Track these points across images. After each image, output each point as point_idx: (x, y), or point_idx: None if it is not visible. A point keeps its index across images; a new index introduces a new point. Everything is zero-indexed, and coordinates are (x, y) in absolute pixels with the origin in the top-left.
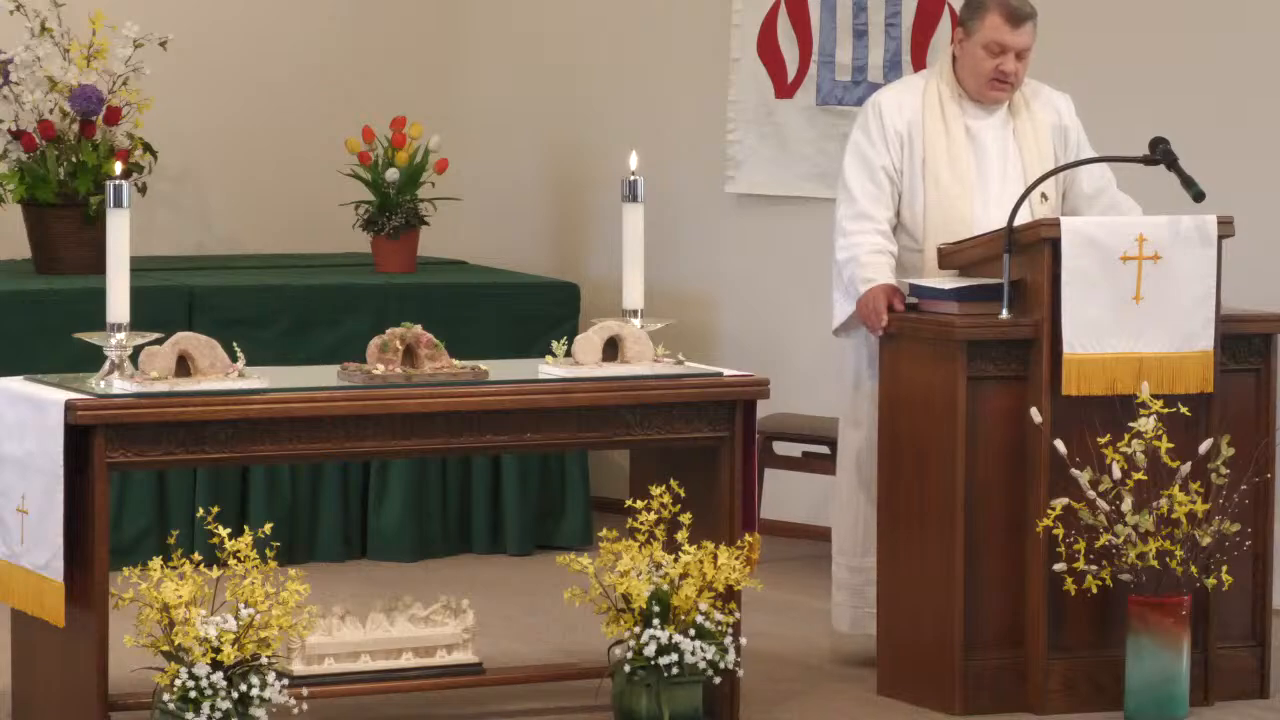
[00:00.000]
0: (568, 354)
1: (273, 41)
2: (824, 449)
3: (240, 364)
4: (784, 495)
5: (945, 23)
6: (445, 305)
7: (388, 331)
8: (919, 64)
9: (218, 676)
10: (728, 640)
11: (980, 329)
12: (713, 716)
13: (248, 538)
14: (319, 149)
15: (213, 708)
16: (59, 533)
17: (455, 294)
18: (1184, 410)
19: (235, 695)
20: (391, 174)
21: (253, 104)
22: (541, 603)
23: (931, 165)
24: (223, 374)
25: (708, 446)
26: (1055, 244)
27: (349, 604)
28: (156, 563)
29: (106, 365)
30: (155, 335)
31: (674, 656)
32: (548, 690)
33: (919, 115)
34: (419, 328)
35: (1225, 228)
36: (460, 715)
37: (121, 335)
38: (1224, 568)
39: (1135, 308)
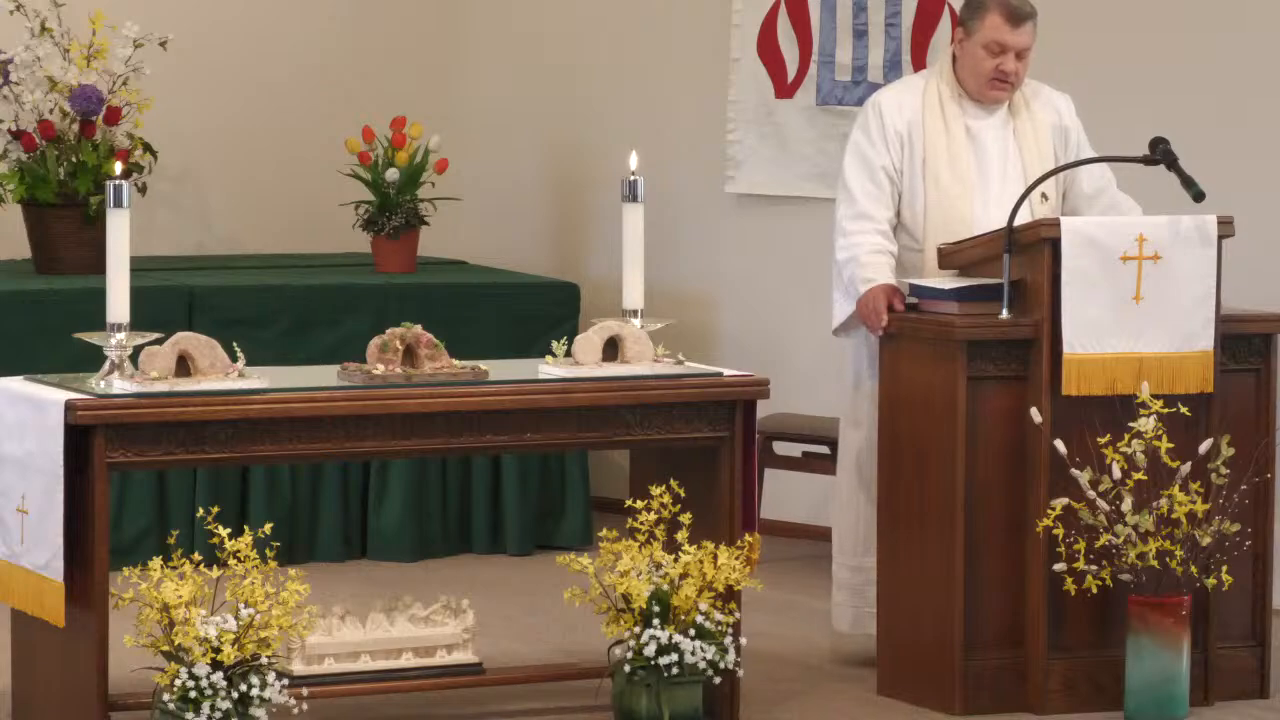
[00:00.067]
0: (568, 354)
1: (273, 41)
2: (824, 449)
3: (240, 364)
4: (784, 495)
5: (945, 23)
6: (445, 305)
7: (388, 331)
8: (919, 64)
9: (218, 676)
10: (728, 640)
11: (980, 329)
12: (713, 716)
13: (248, 538)
14: (319, 149)
15: (213, 708)
16: (59, 533)
17: (455, 294)
18: (1184, 410)
19: (235, 695)
20: (391, 174)
21: (253, 104)
22: (541, 603)
23: (932, 165)
24: (223, 374)
25: (708, 446)
26: (1055, 244)
27: (349, 604)
28: (156, 563)
29: (106, 365)
30: (155, 335)
31: (674, 656)
32: (548, 690)
33: (919, 115)
34: (419, 328)
35: (1225, 228)
36: (460, 715)
37: (121, 335)
38: (1224, 568)
39: (1135, 308)
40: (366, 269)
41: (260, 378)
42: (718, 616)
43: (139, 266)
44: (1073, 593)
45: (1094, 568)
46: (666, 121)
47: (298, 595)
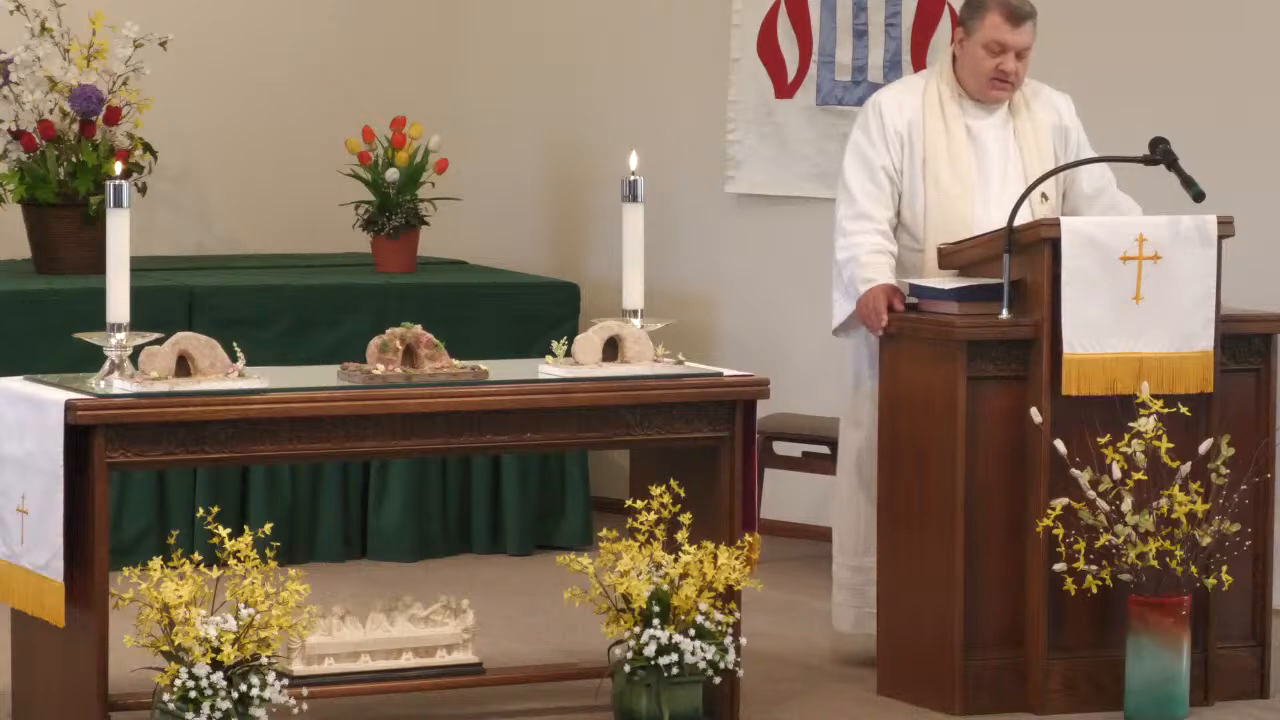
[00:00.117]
0: (568, 354)
1: (273, 41)
2: (824, 449)
3: (240, 364)
4: (784, 495)
5: (945, 23)
6: (445, 305)
7: (388, 331)
8: (919, 64)
9: (218, 676)
10: (728, 640)
11: (980, 329)
12: (713, 716)
13: (248, 538)
14: (319, 149)
15: (213, 708)
16: (59, 533)
17: (455, 294)
18: (1184, 410)
19: (235, 695)
20: (391, 174)
21: (253, 104)
22: (541, 603)
23: (932, 165)
24: (223, 374)
25: (708, 446)
26: (1055, 244)
27: (349, 604)
28: (156, 563)
29: (106, 365)
30: (155, 335)
31: (674, 656)
32: (548, 690)
33: (919, 115)
34: (419, 328)
35: (1225, 228)
36: (460, 715)
37: (121, 335)
38: (1224, 568)
39: (1135, 308)
40: (366, 269)
41: (260, 378)
42: (718, 616)
43: (139, 266)
44: (1073, 593)
45: (1094, 568)
46: (666, 121)
47: (298, 595)
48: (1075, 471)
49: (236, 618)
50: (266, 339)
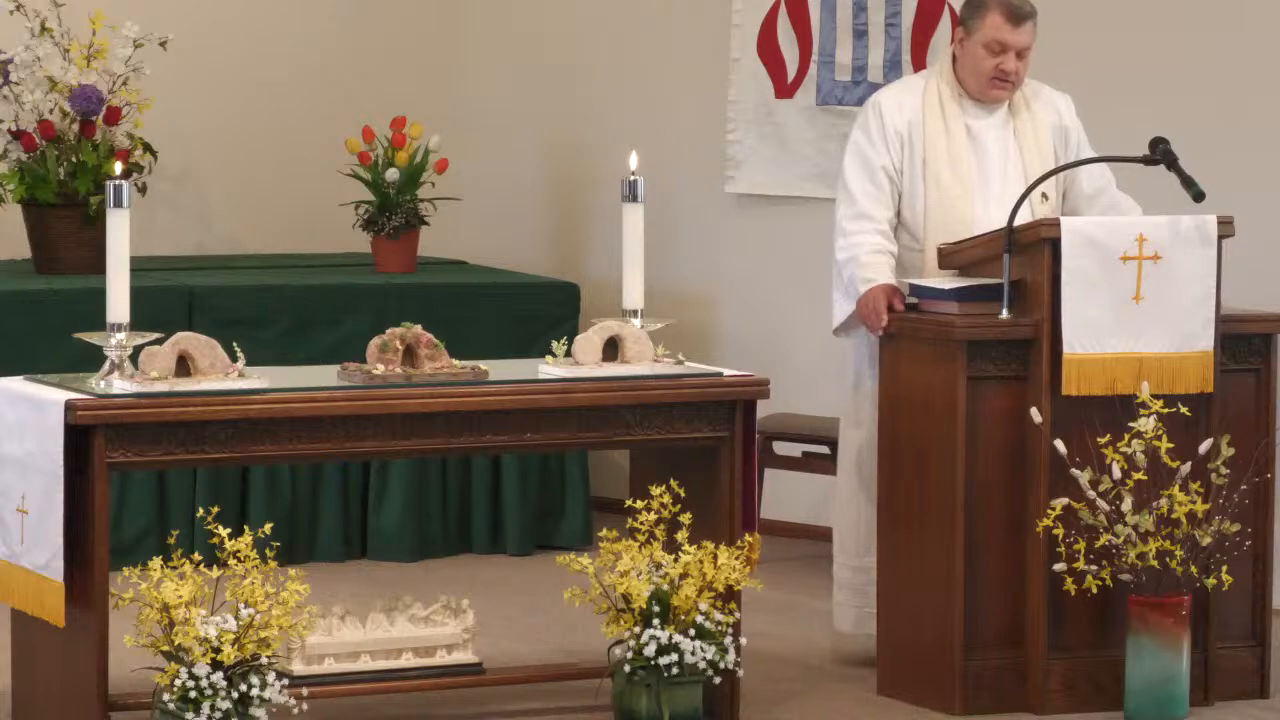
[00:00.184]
0: (568, 354)
1: (273, 41)
2: (824, 449)
3: (240, 364)
4: (784, 495)
5: (945, 23)
6: (445, 305)
7: (388, 331)
8: (919, 64)
9: (218, 676)
10: (728, 640)
11: (980, 329)
12: (713, 716)
13: (248, 538)
14: (319, 149)
15: (213, 708)
16: (59, 533)
17: (455, 294)
18: (1184, 410)
19: (235, 695)
20: (391, 174)
21: (253, 104)
22: (541, 603)
23: (932, 165)
24: (223, 374)
25: (708, 446)
26: (1055, 244)
27: (349, 604)
28: (156, 563)
29: (106, 365)
30: (155, 335)
31: (674, 656)
32: (548, 690)
33: (919, 115)
34: (419, 328)
35: (1225, 228)
36: (460, 715)
37: (121, 335)
38: (1224, 568)
39: (1135, 308)
40: (366, 269)
41: (260, 378)
42: (718, 616)
43: (139, 266)
44: (1073, 593)
45: (1094, 568)
46: (666, 121)
47: (298, 595)
48: (1075, 471)
49: (236, 618)
50: (266, 339)
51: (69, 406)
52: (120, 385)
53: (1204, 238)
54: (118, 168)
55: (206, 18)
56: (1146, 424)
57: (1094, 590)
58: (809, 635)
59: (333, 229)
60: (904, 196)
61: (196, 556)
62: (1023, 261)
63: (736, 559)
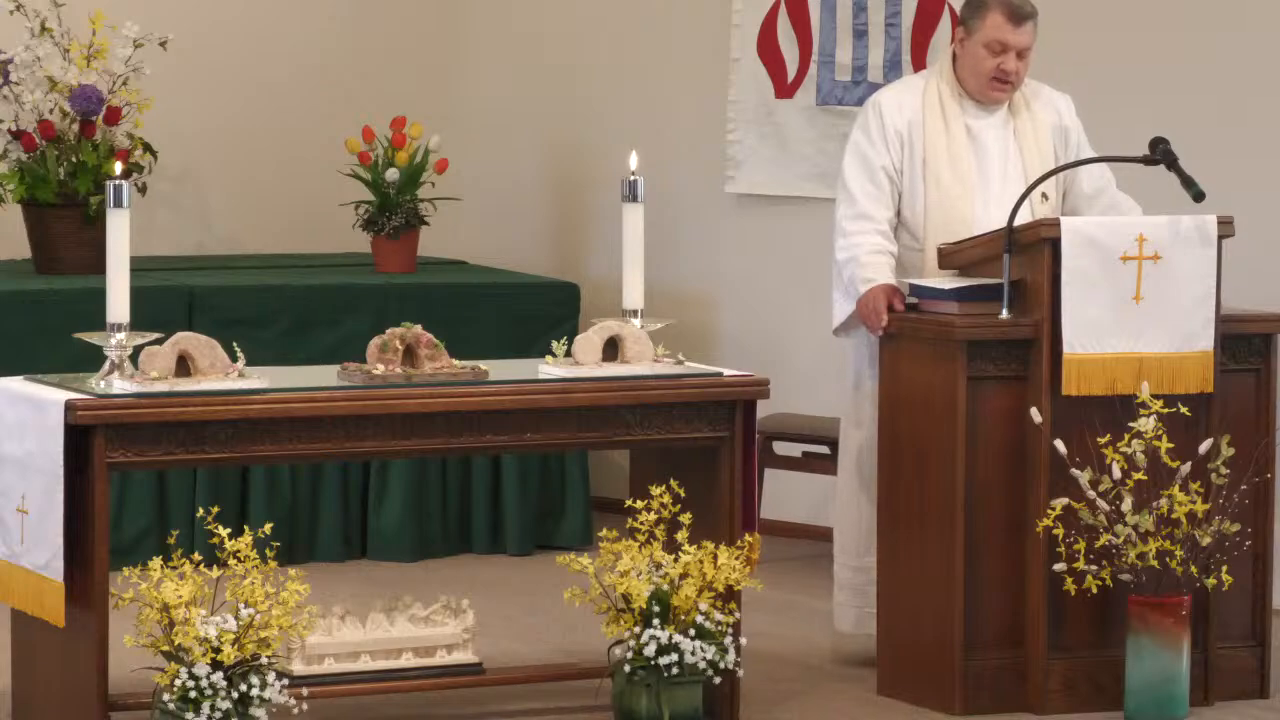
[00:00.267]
0: (568, 354)
1: (273, 41)
2: (824, 449)
3: (240, 364)
4: (784, 495)
5: (945, 23)
6: (445, 305)
7: (388, 331)
8: (919, 64)
9: (218, 676)
10: (728, 640)
11: (980, 329)
12: (713, 716)
13: (248, 538)
14: (319, 149)
15: (213, 708)
16: (59, 533)
17: (455, 294)
18: (1184, 410)
19: (235, 695)
20: (391, 174)
21: (253, 104)
22: (541, 603)
23: (932, 165)
24: (223, 374)
25: (708, 446)
26: (1055, 244)
27: (349, 604)
28: (156, 563)
29: (106, 365)
30: (155, 335)
31: (674, 656)
32: (548, 690)
33: (919, 115)
34: (419, 328)
35: (1225, 228)
36: (460, 715)
37: (121, 335)
38: (1224, 568)
39: (1135, 308)
40: (366, 269)
41: (260, 378)
42: (718, 616)
43: (139, 266)
44: (1073, 593)
45: (1094, 568)
46: (666, 121)
47: (298, 595)
48: (1075, 471)
49: (236, 618)
50: (266, 339)
51: (69, 406)
52: (120, 385)
53: (1204, 238)
54: (118, 168)
55: (206, 18)
56: (1146, 424)
57: (1094, 590)
58: (809, 635)
59: (333, 229)
60: (904, 196)
61: (196, 556)
62: (1023, 261)
63: (736, 559)
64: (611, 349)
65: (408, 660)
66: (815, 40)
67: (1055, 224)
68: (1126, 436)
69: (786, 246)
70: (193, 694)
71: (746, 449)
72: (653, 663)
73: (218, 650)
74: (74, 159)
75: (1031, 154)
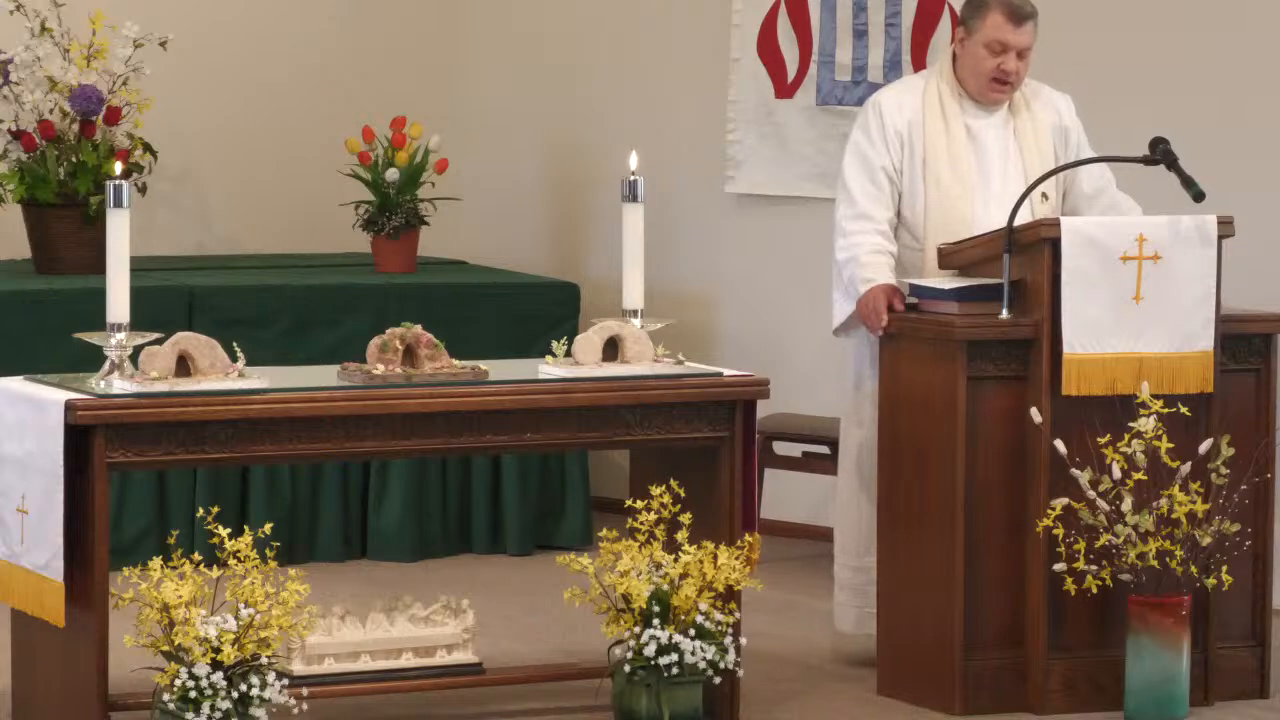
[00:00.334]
0: (568, 354)
1: (273, 41)
2: (824, 449)
3: (240, 364)
4: (784, 495)
5: (945, 23)
6: (445, 305)
7: (388, 331)
8: (919, 64)
9: (218, 676)
10: (728, 640)
11: (980, 329)
12: (713, 716)
13: (248, 538)
14: (319, 149)
15: (213, 708)
16: (59, 533)
17: (455, 294)
18: (1184, 410)
19: (235, 695)
20: (391, 174)
21: (253, 104)
22: (541, 603)
23: (932, 165)
24: (223, 374)
25: (708, 446)
26: (1055, 244)
27: (349, 604)
28: (156, 563)
29: (106, 365)
30: (155, 335)
31: (674, 656)
32: (548, 690)
33: (919, 115)
34: (419, 328)
35: (1225, 228)
36: (460, 715)
37: (121, 335)
38: (1224, 568)
39: (1135, 308)
40: (366, 269)
41: (260, 378)
42: (718, 616)
43: (139, 266)
44: (1073, 593)
45: (1094, 568)
46: (666, 121)
47: (298, 595)
48: (1075, 471)
49: (236, 618)
50: (266, 339)
51: (69, 406)
52: (120, 385)
53: (1204, 238)
54: (118, 168)
55: (206, 18)
56: (1146, 424)
57: (1094, 590)
58: (809, 635)
59: (333, 229)
60: (904, 196)
61: (196, 556)
62: (1023, 261)
63: (736, 559)
64: (611, 349)
65: (408, 660)
66: (815, 40)
67: (1055, 224)
68: (1126, 436)
69: (786, 246)
70: (193, 694)
71: (746, 449)
72: (653, 663)
73: (218, 650)
74: (74, 159)
75: (1031, 154)
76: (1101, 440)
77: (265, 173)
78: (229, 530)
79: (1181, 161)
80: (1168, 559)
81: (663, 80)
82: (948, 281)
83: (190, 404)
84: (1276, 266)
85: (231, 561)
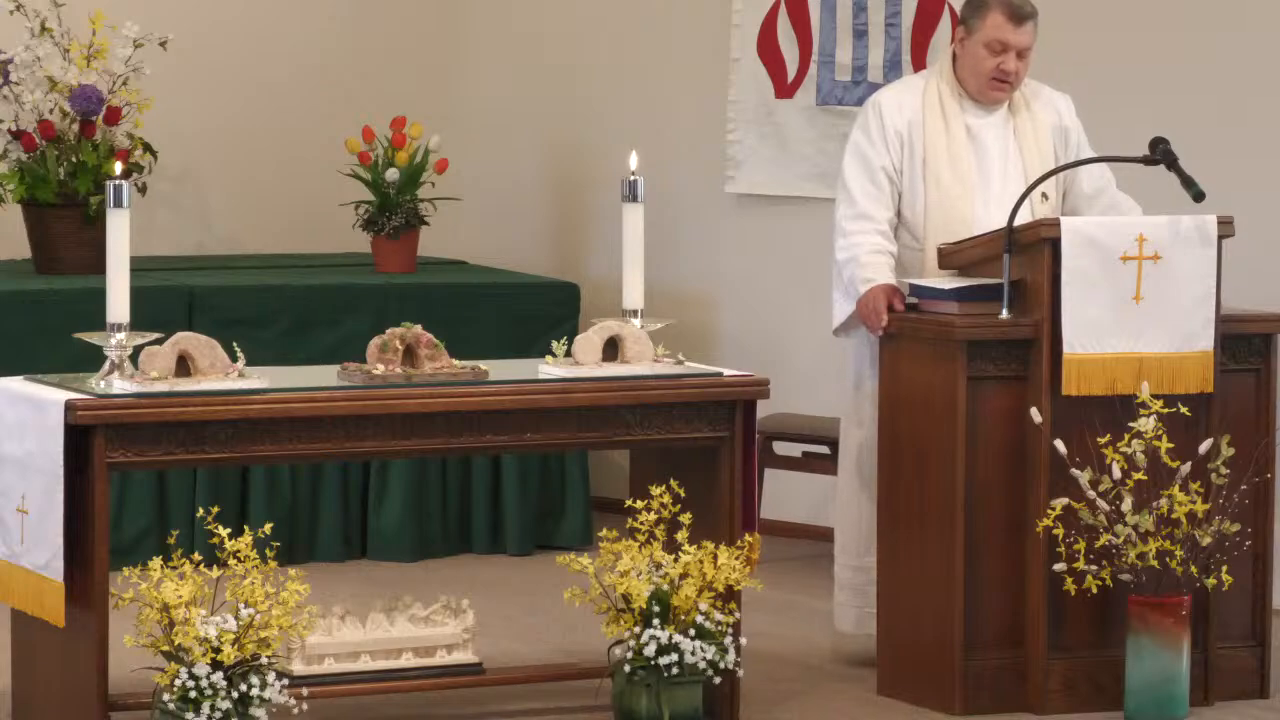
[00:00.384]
0: (568, 354)
1: (273, 41)
2: (824, 449)
3: (240, 364)
4: (784, 495)
5: (945, 23)
6: (445, 305)
7: (388, 331)
8: (919, 64)
9: (218, 676)
10: (728, 640)
11: (980, 329)
12: (713, 716)
13: (248, 538)
14: (319, 149)
15: (213, 708)
16: (59, 533)
17: (455, 294)
18: (1184, 410)
19: (235, 695)
20: (391, 174)
21: (253, 104)
22: (541, 603)
23: (932, 165)
24: (223, 374)
25: (708, 446)
26: (1055, 244)
27: (349, 604)
28: (156, 563)
29: (106, 365)
30: (155, 335)
31: (674, 656)
32: (548, 690)
33: (919, 115)
34: (419, 328)
35: (1225, 228)
36: (460, 715)
37: (121, 335)
38: (1224, 568)
39: (1135, 308)
40: (366, 269)
41: (260, 378)
42: (718, 616)
43: (139, 266)
44: (1073, 593)
45: (1094, 568)
46: (666, 121)
47: (298, 595)
48: (1075, 471)
49: (236, 618)
50: (266, 339)
51: (69, 406)
52: (120, 385)
53: (1204, 238)
54: (118, 168)
55: (206, 18)
56: (1146, 424)
57: (1094, 590)
58: (809, 635)
59: (333, 229)
60: (904, 196)
61: (196, 556)
62: (1023, 261)
63: (736, 559)
64: (611, 349)
65: (408, 660)
66: (815, 40)
67: (1055, 224)
68: (1126, 436)
69: (786, 246)
70: (193, 694)
71: (746, 449)
72: (653, 663)
73: (218, 650)
74: (74, 159)
75: (1031, 154)
76: (1101, 440)
77: (265, 173)
78: (229, 530)
79: (1181, 161)
80: (1168, 559)
81: (663, 80)
82: (948, 281)
83: (190, 404)
84: (1276, 266)
85: (231, 561)
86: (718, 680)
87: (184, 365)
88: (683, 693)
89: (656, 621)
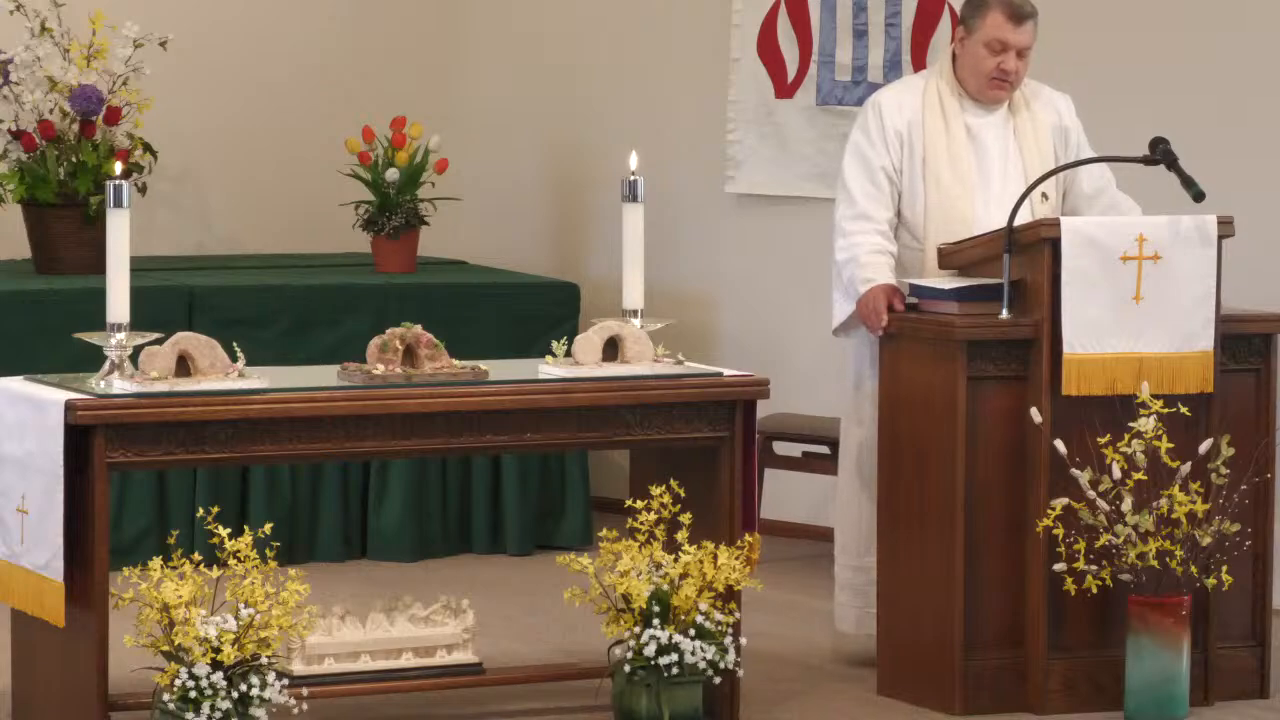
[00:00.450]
0: (568, 354)
1: (273, 41)
2: (824, 449)
3: (240, 364)
4: (784, 495)
5: (945, 23)
6: (445, 305)
7: (388, 331)
8: (919, 64)
9: (218, 676)
10: (728, 640)
11: (980, 329)
12: (713, 716)
13: (248, 538)
14: (319, 149)
15: (213, 708)
16: (59, 533)
17: (455, 294)
18: (1184, 410)
19: (235, 695)
20: (391, 174)
21: (253, 104)
22: (541, 603)
23: (932, 165)
24: (223, 374)
25: (708, 446)
26: (1055, 244)
27: (349, 604)
28: (156, 563)
29: (106, 365)
30: (155, 335)
31: (674, 656)
32: (548, 690)
33: (919, 115)
34: (419, 328)
35: (1225, 228)
36: (460, 715)
37: (121, 335)
38: (1224, 568)
39: (1135, 308)
40: (366, 269)
41: (260, 378)
42: (718, 616)
43: (139, 266)
44: (1073, 593)
45: (1094, 568)
46: (666, 121)
47: (298, 595)
48: (1075, 471)
49: (236, 618)
50: (266, 339)
51: (69, 406)
52: (120, 385)
53: (1204, 238)
54: (118, 168)
55: (206, 18)
56: (1146, 424)
57: (1094, 590)
58: (809, 635)
59: (333, 229)
60: (904, 196)
61: (196, 556)
62: (1023, 261)
63: (736, 559)
64: (611, 349)
65: (408, 660)
66: (815, 40)
67: (1055, 224)
68: (1126, 436)
69: (786, 246)
70: (193, 694)
71: (746, 449)
72: (653, 663)
73: (218, 650)
74: (74, 159)
75: (1031, 154)
76: (1101, 440)
77: (265, 173)
78: (229, 530)
79: (1181, 161)
80: (1168, 559)
81: (663, 80)
82: (948, 281)
83: (190, 404)
84: (1276, 266)
85: (231, 561)
86: (718, 680)
87: (184, 365)
88: (683, 693)
89: (656, 621)
